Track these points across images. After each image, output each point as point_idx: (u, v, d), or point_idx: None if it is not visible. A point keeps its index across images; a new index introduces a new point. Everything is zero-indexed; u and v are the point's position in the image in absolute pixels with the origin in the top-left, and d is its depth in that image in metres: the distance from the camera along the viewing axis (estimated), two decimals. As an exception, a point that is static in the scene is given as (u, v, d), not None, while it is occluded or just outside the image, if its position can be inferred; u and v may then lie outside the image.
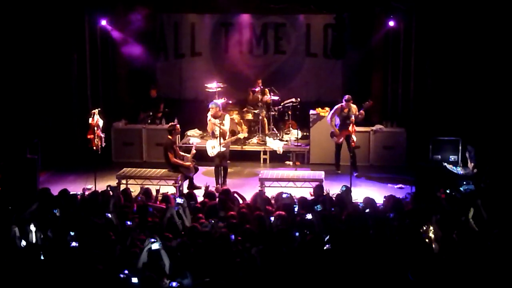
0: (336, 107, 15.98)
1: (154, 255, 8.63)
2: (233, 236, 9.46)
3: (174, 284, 8.17)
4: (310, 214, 10.24)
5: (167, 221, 10.36)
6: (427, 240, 9.45)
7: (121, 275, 8.38)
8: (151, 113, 18.28)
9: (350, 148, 15.37)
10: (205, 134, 18.48)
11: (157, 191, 13.16)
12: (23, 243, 9.52)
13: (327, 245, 9.01)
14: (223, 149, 14.68)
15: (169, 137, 14.53)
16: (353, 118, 15.31)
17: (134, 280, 8.26)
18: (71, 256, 8.95)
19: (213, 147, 14.72)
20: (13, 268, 8.69)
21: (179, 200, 10.91)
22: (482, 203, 10.50)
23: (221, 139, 14.59)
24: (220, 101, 16.16)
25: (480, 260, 8.73)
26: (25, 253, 9.16)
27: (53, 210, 10.53)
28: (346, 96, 15.86)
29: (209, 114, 14.78)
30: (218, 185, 14.57)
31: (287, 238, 9.55)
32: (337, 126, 15.94)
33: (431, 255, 9.11)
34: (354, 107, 15.79)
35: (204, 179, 15.68)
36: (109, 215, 10.35)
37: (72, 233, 9.64)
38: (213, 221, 10.11)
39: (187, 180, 14.72)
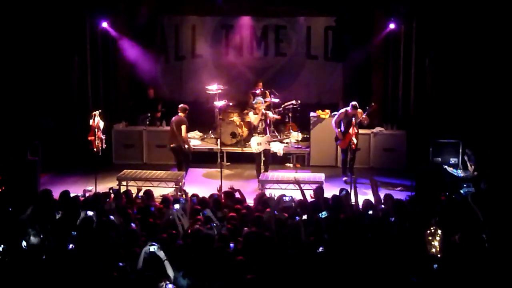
0: (341, 111, 15.81)
1: (154, 257, 8.63)
2: (232, 245, 9.45)
3: (170, 286, 8.17)
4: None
5: (167, 223, 10.37)
6: (430, 243, 9.47)
7: (120, 264, 8.44)
8: (149, 114, 18.25)
9: (351, 151, 15.57)
10: (205, 136, 18.53)
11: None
12: (24, 244, 9.53)
13: (320, 248, 8.98)
14: (269, 146, 15.47)
15: (182, 114, 15.14)
16: (353, 120, 15.27)
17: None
18: (70, 257, 8.95)
19: (259, 144, 15.19)
20: (15, 269, 8.71)
21: (177, 205, 10.84)
22: (482, 206, 10.50)
23: (264, 135, 15.31)
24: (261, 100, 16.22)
25: (482, 263, 8.75)
26: (27, 254, 9.16)
27: (55, 213, 10.54)
28: (353, 103, 15.53)
29: (262, 108, 15.39)
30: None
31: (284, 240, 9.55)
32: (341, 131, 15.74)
33: (432, 258, 9.12)
34: (360, 111, 15.59)
35: (205, 181, 15.77)
36: (112, 216, 10.35)
37: (73, 234, 9.67)
38: (215, 225, 10.11)
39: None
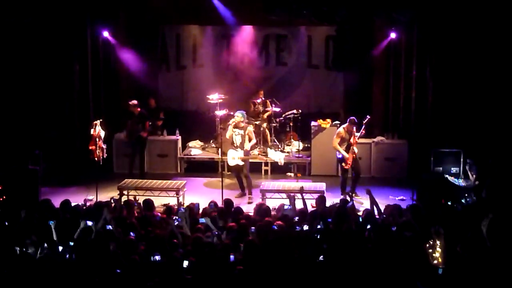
0: (338, 130, 15.08)
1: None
2: (233, 257, 9.43)
3: None
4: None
5: (169, 232, 10.35)
6: (431, 253, 9.44)
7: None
8: (150, 123, 18.20)
9: (355, 169, 15.13)
10: (206, 146, 18.51)
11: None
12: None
13: (320, 257, 8.97)
14: (241, 163, 14.92)
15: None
16: (357, 135, 14.94)
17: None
18: (68, 267, 8.93)
19: (233, 158, 14.97)
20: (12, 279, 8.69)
21: (179, 214, 10.83)
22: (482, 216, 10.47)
23: (240, 150, 14.88)
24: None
25: (484, 272, 8.72)
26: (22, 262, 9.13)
27: (49, 222, 10.51)
28: (351, 118, 14.94)
29: (231, 122, 14.99)
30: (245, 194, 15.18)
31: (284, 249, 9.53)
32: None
33: (433, 268, 9.10)
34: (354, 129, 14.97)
35: (206, 190, 15.76)
36: (110, 226, 10.33)
37: (70, 244, 9.66)
38: (216, 233, 10.10)
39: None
